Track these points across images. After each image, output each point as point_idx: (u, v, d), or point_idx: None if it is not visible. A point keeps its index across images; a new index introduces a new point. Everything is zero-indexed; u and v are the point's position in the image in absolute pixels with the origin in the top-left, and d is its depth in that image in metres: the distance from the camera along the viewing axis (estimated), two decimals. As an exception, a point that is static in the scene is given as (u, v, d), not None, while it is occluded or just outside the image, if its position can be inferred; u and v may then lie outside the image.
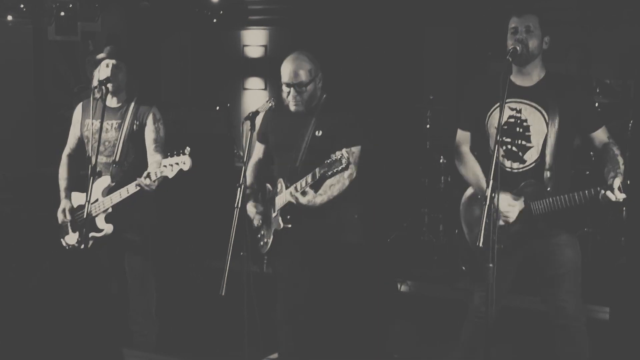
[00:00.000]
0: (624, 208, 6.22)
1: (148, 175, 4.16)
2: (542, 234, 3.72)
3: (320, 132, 4.02)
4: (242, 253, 3.74)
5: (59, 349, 4.48)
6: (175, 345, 4.93)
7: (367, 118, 7.50)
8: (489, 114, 3.77)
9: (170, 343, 4.82)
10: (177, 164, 4.07)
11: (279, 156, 4.19)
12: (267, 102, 3.99)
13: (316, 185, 3.86)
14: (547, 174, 3.65)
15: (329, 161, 3.67)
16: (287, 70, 4.05)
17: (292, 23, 8.83)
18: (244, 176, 3.73)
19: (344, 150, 3.65)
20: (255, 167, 4.38)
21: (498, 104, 3.57)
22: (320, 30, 8.32)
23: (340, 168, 3.65)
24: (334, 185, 3.93)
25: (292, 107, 4.06)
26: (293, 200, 3.92)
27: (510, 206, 3.70)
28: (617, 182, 3.39)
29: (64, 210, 4.58)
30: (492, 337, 3.56)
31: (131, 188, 4.26)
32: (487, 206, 3.30)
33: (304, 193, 3.86)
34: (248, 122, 3.83)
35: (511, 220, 3.71)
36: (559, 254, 3.75)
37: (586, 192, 3.49)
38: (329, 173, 3.68)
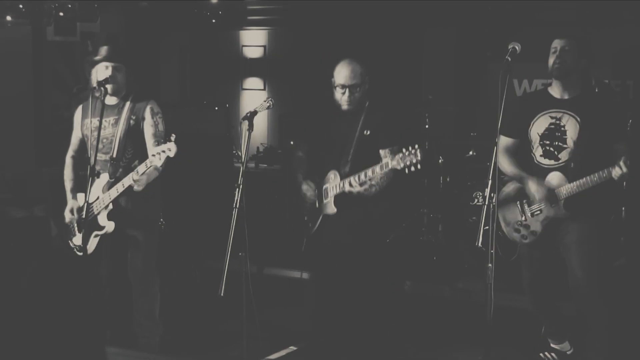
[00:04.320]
0: (623, 208, 6.22)
1: (137, 170, 4.17)
2: (568, 217, 4.16)
3: (368, 132, 4.48)
4: (240, 254, 3.74)
5: (57, 349, 4.47)
6: (176, 345, 4.93)
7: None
8: (532, 122, 4.26)
9: (171, 344, 4.82)
10: (163, 151, 4.07)
11: (330, 151, 4.61)
12: (265, 102, 3.99)
13: (378, 174, 4.29)
14: (572, 164, 4.13)
15: (401, 155, 4.01)
16: (343, 73, 4.48)
17: (291, 23, 8.82)
18: (243, 176, 3.73)
19: (416, 146, 4.00)
20: (300, 160, 4.79)
21: (540, 114, 4.23)
22: (320, 30, 8.32)
23: (415, 161, 3.96)
24: (383, 178, 4.38)
25: (345, 106, 4.51)
26: (353, 189, 4.34)
27: (539, 187, 4.17)
28: (621, 161, 3.93)
29: (71, 210, 4.58)
30: (492, 337, 3.57)
31: (126, 181, 4.26)
32: (486, 206, 3.32)
33: (363, 183, 4.30)
34: (246, 122, 3.84)
35: (539, 197, 4.18)
36: (576, 228, 4.20)
37: (601, 171, 3.98)
38: (402, 165, 4.01)
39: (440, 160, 6.85)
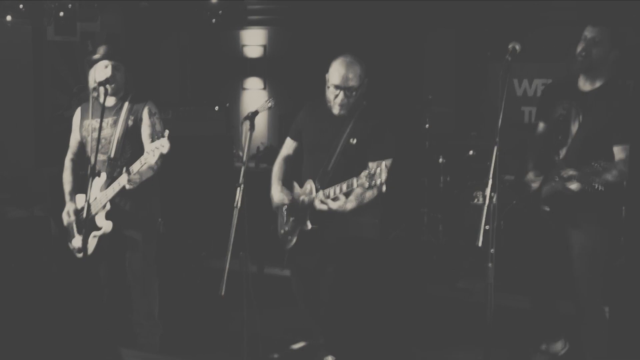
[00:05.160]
0: (624, 208, 6.21)
1: (128, 170, 4.16)
2: (562, 219, 4.08)
3: (355, 140, 4.07)
4: (241, 253, 3.74)
5: (57, 348, 4.48)
6: (176, 345, 4.92)
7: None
8: (553, 110, 4.19)
9: (171, 344, 4.82)
10: (156, 148, 4.06)
11: (312, 156, 4.24)
12: (266, 102, 3.99)
13: (347, 192, 3.94)
14: (568, 169, 3.94)
15: (366, 174, 3.69)
16: (339, 72, 4.07)
17: (291, 23, 8.82)
18: (243, 176, 3.73)
19: (383, 165, 3.66)
20: (285, 162, 4.42)
21: (558, 103, 4.12)
22: (320, 30, 8.31)
23: (379, 182, 3.65)
24: (364, 194, 4.00)
25: (337, 110, 4.11)
26: (324, 207, 3.97)
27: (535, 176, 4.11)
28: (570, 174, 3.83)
29: (68, 212, 4.59)
30: (492, 337, 3.57)
31: (122, 180, 4.25)
32: (486, 206, 3.32)
33: (335, 199, 3.94)
34: (247, 122, 3.84)
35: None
36: (575, 237, 4.11)
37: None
38: (367, 186, 3.70)
39: (440, 160, 6.85)
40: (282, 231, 4.31)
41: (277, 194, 4.31)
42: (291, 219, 4.25)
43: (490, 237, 3.34)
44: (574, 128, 4.07)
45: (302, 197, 4.19)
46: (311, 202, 4.09)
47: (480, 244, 3.34)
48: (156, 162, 4.16)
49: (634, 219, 6.16)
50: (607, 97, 4.03)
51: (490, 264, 3.38)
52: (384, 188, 3.67)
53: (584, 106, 4.06)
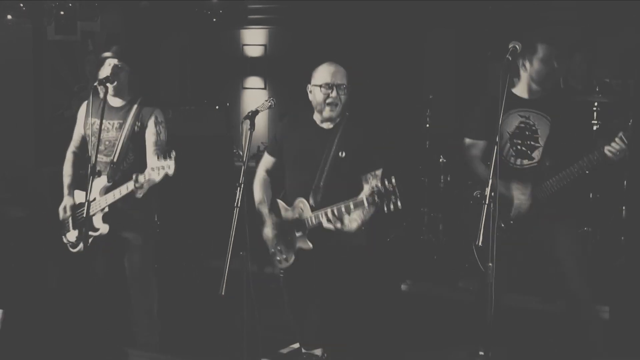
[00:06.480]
0: (624, 207, 6.22)
1: (137, 179, 4.14)
2: (546, 216, 4.11)
3: (344, 154, 3.95)
4: (241, 253, 3.73)
5: (59, 348, 4.48)
6: (176, 345, 4.93)
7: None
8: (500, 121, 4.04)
9: (171, 343, 4.82)
10: (162, 167, 4.05)
11: (296, 171, 4.10)
12: (266, 101, 3.98)
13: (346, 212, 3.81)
14: (547, 163, 4.16)
15: (377, 190, 3.62)
16: (328, 71, 4.00)
17: (292, 22, 8.83)
18: (244, 176, 3.73)
19: (393, 181, 3.60)
20: (265, 184, 4.29)
21: (508, 112, 4.14)
22: (320, 30, 8.32)
23: (394, 198, 3.61)
24: (366, 213, 3.88)
25: (327, 113, 3.99)
26: (331, 227, 3.84)
27: (523, 195, 4.10)
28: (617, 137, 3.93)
29: (64, 207, 4.59)
30: (491, 336, 3.57)
31: (124, 189, 4.25)
32: (486, 205, 3.33)
33: (340, 218, 3.81)
34: (247, 122, 3.83)
35: (525, 207, 4.10)
36: (562, 235, 4.13)
37: (581, 161, 4.01)
38: (380, 204, 3.65)
39: (441, 160, 6.85)
40: (273, 250, 4.18)
41: (269, 231, 4.15)
42: (288, 238, 4.10)
43: (491, 236, 3.34)
44: (544, 130, 4.18)
45: (294, 217, 4.05)
46: (306, 220, 3.98)
47: (480, 243, 3.35)
48: (160, 181, 4.12)
49: (634, 219, 6.19)
50: (561, 98, 4.29)
51: (490, 263, 3.38)
52: (399, 204, 3.61)
53: (543, 109, 4.19)
